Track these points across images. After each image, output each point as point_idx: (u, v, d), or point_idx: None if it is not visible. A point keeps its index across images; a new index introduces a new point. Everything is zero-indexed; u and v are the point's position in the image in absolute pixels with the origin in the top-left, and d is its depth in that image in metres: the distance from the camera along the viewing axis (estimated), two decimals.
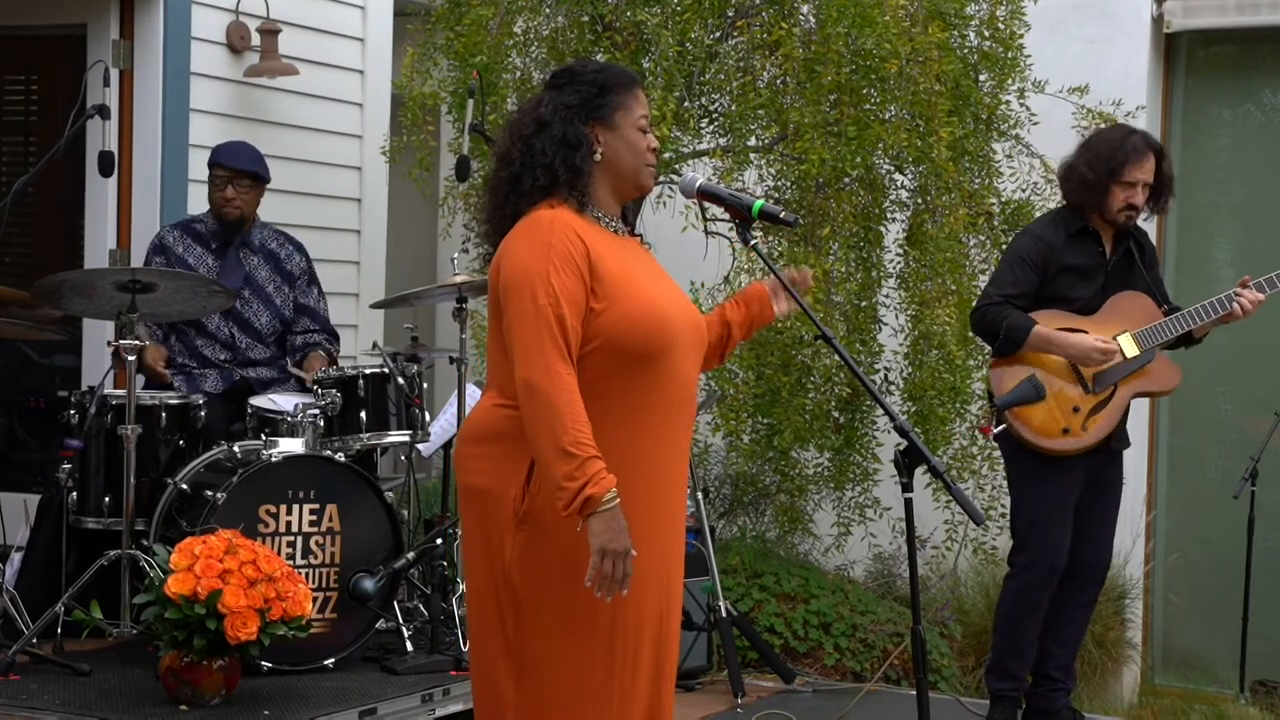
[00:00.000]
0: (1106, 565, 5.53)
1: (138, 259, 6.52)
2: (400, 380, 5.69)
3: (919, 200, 6.58)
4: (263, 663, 5.09)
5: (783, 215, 3.72)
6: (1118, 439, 5.40)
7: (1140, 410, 7.91)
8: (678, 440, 3.55)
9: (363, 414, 5.67)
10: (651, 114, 5.81)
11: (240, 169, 6.10)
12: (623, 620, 3.45)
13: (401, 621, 5.50)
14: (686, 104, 6.26)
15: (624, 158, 3.54)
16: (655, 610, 3.52)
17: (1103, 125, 6.63)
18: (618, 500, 3.29)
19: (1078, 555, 5.42)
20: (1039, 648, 5.48)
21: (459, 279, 5.65)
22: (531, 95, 3.92)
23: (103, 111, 5.79)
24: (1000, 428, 5.34)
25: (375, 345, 6.08)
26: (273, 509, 5.28)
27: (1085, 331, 5.30)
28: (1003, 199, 6.69)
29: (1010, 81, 6.56)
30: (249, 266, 6.17)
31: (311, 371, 5.87)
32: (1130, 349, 5.31)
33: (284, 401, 5.71)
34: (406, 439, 5.79)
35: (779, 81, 6.20)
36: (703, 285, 6.47)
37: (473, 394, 5.66)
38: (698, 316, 3.62)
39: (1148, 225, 7.78)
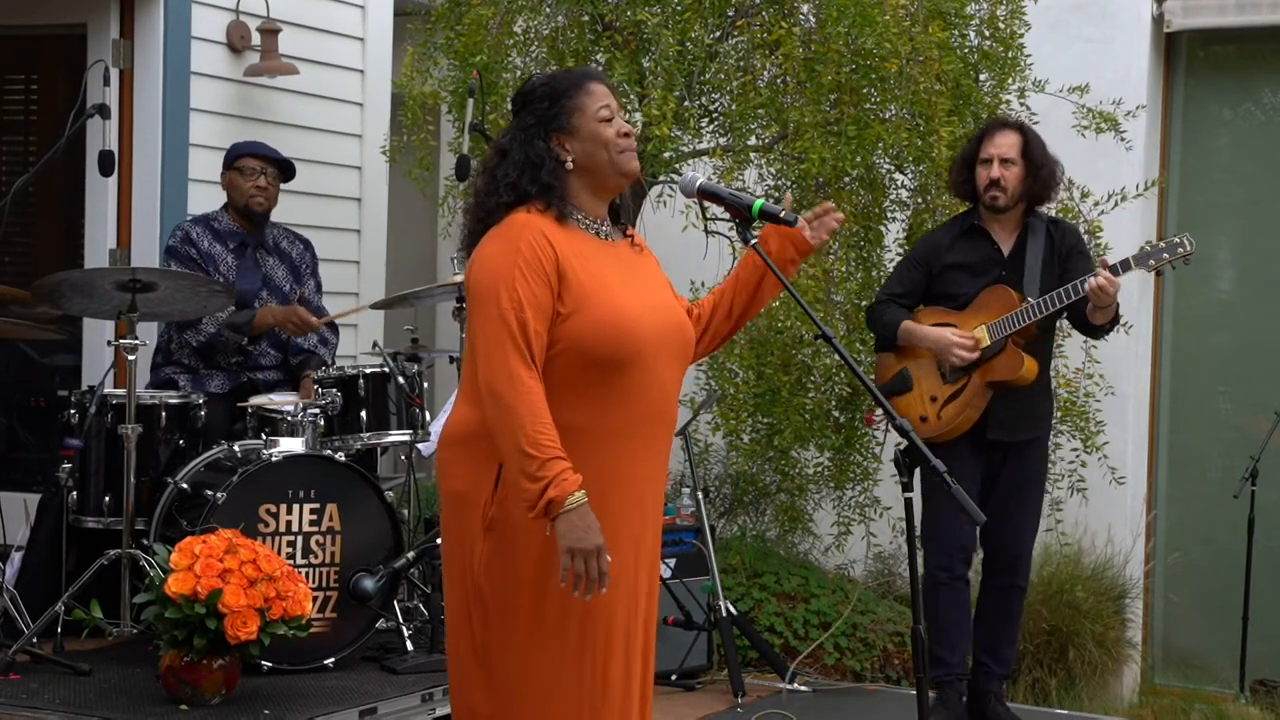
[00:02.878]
0: (1015, 558, 5.57)
1: (138, 258, 6.52)
2: (400, 380, 5.70)
3: (919, 200, 6.57)
4: (263, 662, 5.07)
5: (783, 214, 3.70)
6: (995, 428, 5.44)
7: (1141, 409, 7.92)
8: (652, 446, 3.52)
9: (363, 413, 5.67)
10: (651, 113, 5.90)
11: (273, 158, 6.14)
12: (592, 630, 3.43)
13: (401, 621, 5.49)
14: (687, 103, 6.25)
15: (596, 154, 3.52)
16: (625, 619, 3.49)
17: (1103, 125, 6.65)
18: (584, 500, 3.27)
19: (990, 549, 5.59)
20: (974, 633, 5.62)
21: (459, 279, 5.61)
22: None
23: (103, 111, 5.78)
24: (879, 417, 5.57)
25: (375, 345, 6.07)
26: (273, 508, 5.27)
27: (955, 325, 5.44)
28: None
29: (1011, 81, 6.55)
30: (266, 267, 6.16)
31: (305, 396, 5.84)
32: (984, 340, 5.40)
33: (284, 401, 5.71)
34: (407, 438, 5.79)
35: (779, 81, 6.19)
36: (703, 284, 6.46)
37: None
38: (682, 324, 3.59)
39: (1146, 223, 7.89)
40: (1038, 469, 5.63)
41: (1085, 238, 6.65)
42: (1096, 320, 5.40)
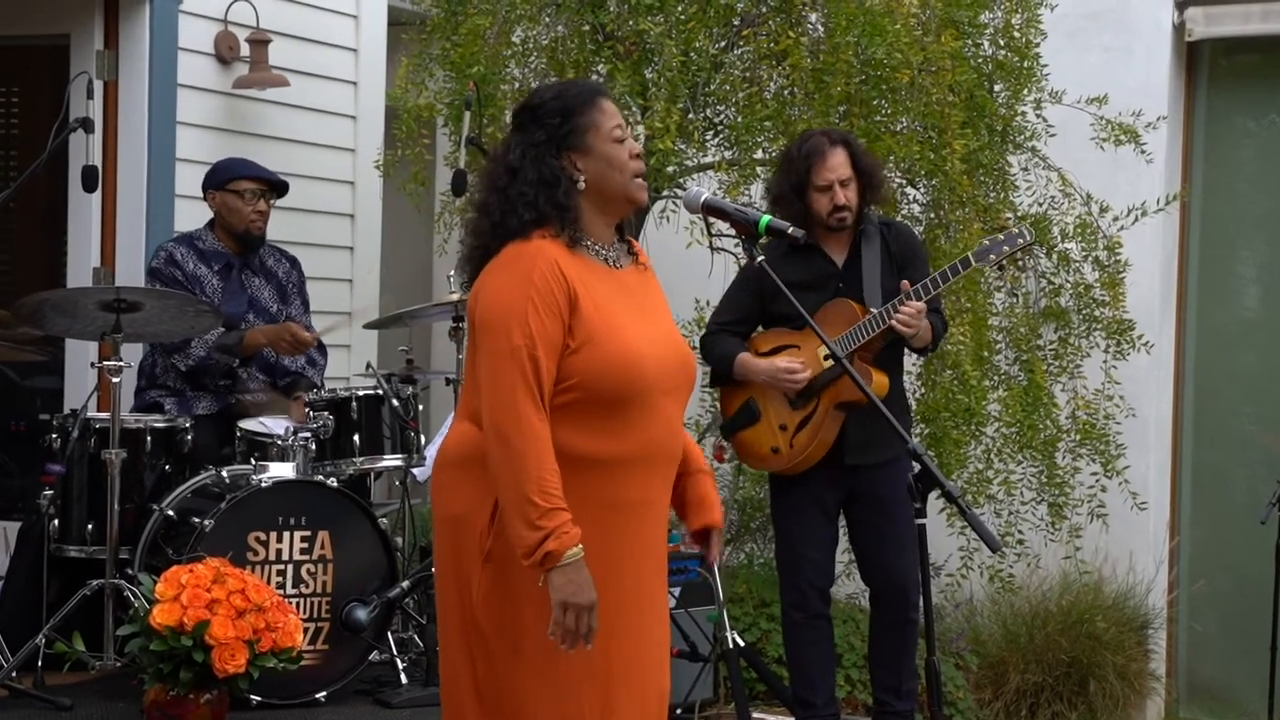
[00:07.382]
0: (902, 589, 5.22)
1: (123, 277, 6.49)
2: (395, 402, 5.70)
3: (932, 215, 6.51)
4: (252, 696, 5.05)
5: (790, 230, 3.66)
6: (853, 453, 5.15)
7: (1163, 431, 7.88)
8: (655, 479, 3.49)
9: (356, 437, 5.71)
10: (655, 126, 5.86)
11: (273, 181, 6.08)
12: (594, 664, 3.36)
13: (396, 653, 5.48)
14: (691, 116, 6.21)
15: (609, 176, 3.45)
16: (630, 649, 3.44)
17: (1122, 137, 6.57)
18: (581, 555, 3.24)
19: (872, 581, 5.34)
20: (871, 671, 5.43)
21: (455, 297, 5.62)
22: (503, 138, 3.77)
23: (86, 124, 5.74)
24: (730, 452, 5.40)
25: (369, 366, 6.08)
26: (262, 536, 5.25)
27: (797, 346, 5.18)
28: (1019, 213, 6.63)
29: (1026, 92, 6.50)
30: (251, 288, 6.12)
31: (296, 419, 5.79)
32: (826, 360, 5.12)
33: (274, 424, 5.69)
34: (401, 463, 5.81)
35: (786, 92, 6.15)
36: (707, 303, 6.36)
37: None
38: (685, 355, 3.55)
39: (1168, 238, 7.80)
40: (903, 498, 5.22)
41: (1103, 254, 6.60)
42: (921, 344, 5.14)
